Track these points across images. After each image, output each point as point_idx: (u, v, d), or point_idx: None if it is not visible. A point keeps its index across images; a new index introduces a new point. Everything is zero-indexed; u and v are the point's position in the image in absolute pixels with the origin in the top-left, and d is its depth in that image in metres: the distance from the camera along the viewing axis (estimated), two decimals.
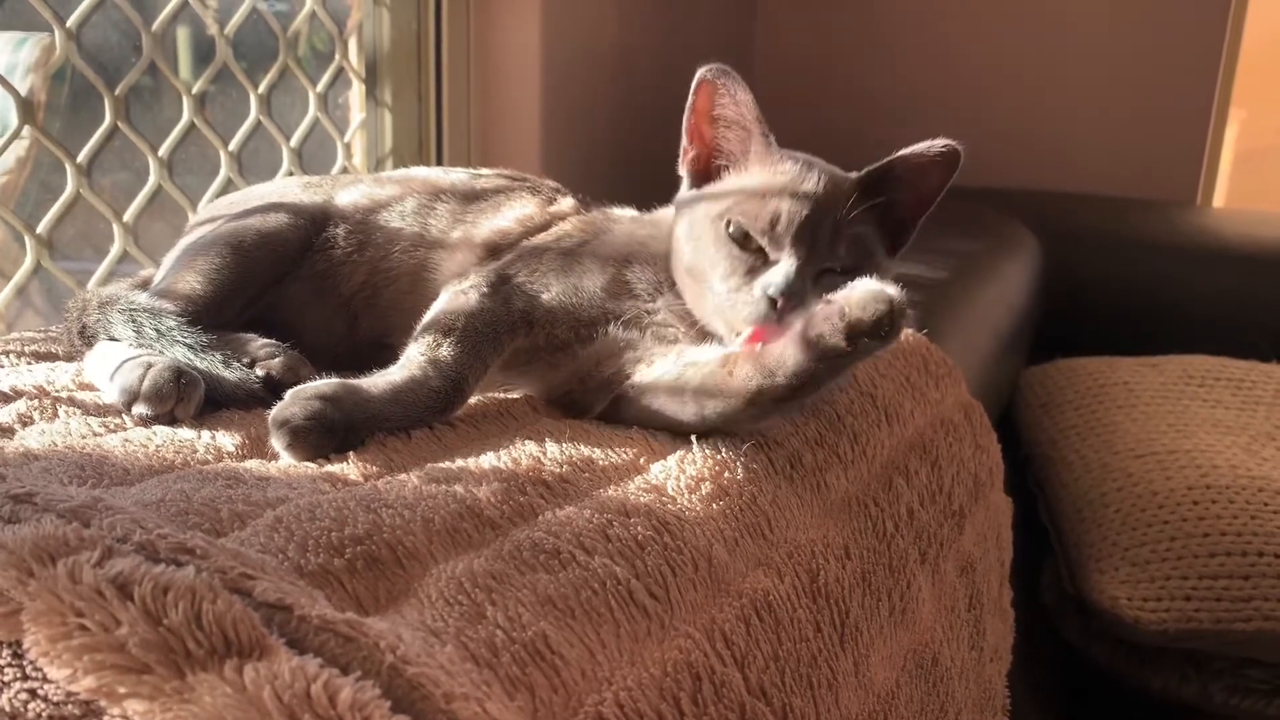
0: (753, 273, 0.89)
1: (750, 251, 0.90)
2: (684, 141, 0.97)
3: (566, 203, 1.08)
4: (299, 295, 1.06)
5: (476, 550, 0.66)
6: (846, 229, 0.90)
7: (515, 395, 0.97)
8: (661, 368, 0.89)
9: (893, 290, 0.75)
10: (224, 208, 1.12)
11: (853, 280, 0.86)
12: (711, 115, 0.95)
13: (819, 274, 0.89)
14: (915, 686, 0.85)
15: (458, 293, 0.94)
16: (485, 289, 0.94)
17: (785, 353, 0.79)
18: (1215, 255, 2.32)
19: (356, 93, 1.87)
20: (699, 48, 2.46)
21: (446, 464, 0.78)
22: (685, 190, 0.99)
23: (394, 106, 1.87)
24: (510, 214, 1.06)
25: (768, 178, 0.91)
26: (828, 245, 0.89)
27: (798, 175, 0.91)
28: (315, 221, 1.07)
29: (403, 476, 0.75)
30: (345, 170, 1.80)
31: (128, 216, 1.41)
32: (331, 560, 0.62)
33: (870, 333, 0.75)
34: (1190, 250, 2.34)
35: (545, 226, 1.04)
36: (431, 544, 0.66)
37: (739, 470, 0.82)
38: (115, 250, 1.40)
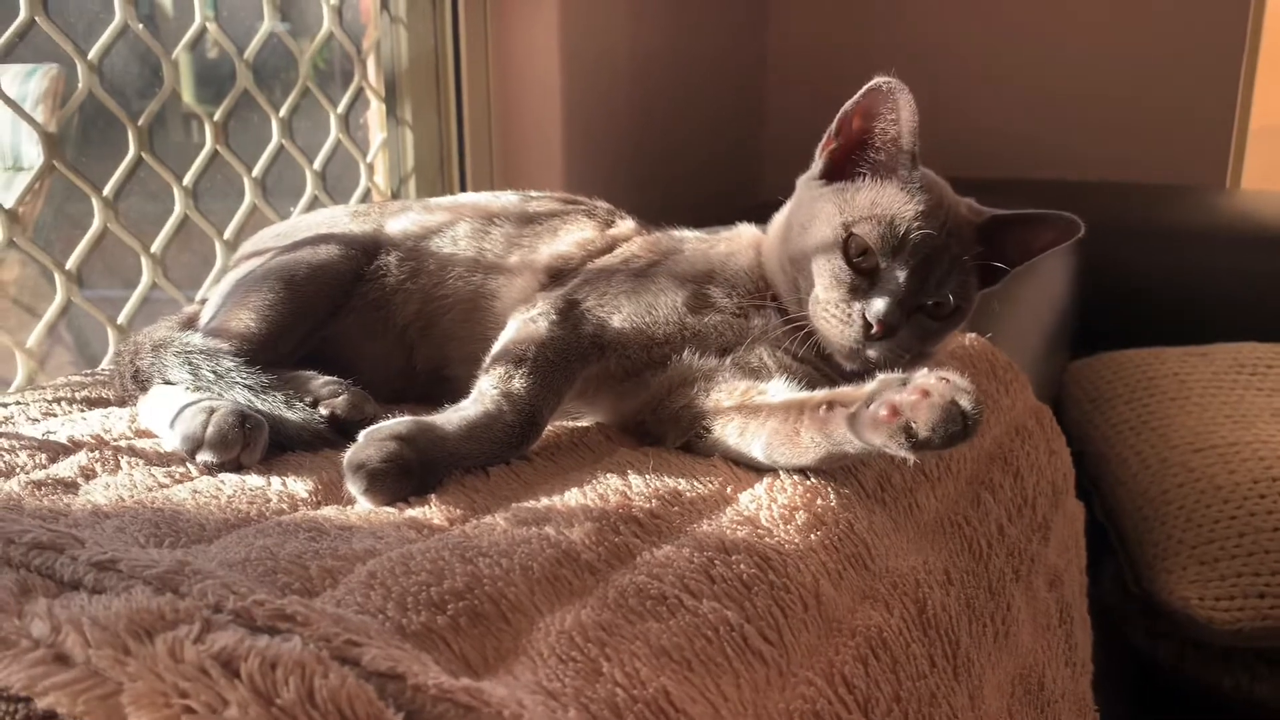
0: (855, 292, 0.88)
1: (860, 271, 0.88)
2: (832, 128, 0.93)
3: (626, 225, 1.05)
4: (353, 328, 1.03)
5: (580, 598, 0.63)
6: (957, 273, 0.89)
7: (586, 424, 0.94)
8: (732, 408, 0.87)
9: (967, 403, 0.71)
10: (271, 240, 1.09)
11: (944, 323, 0.87)
12: (871, 116, 0.91)
13: (918, 307, 0.89)
14: (1025, 713, 0.82)
15: (526, 321, 0.91)
16: (554, 316, 0.91)
17: (847, 437, 0.77)
18: (1251, 239, 2.28)
19: (376, 112, 1.84)
20: (712, 52, 2.45)
21: (532, 503, 0.75)
22: (814, 174, 0.96)
23: (415, 124, 1.84)
24: (569, 238, 1.02)
25: (902, 201, 0.89)
26: (936, 284, 0.88)
27: (928, 207, 0.89)
28: (366, 251, 1.04)
29: (490, 519, 0.72)
30: (369, 190, 1.77)
31: (155, 248, 1.38)
32: (434, 618, 0.59)
33: (940, 447, 0.72)
34: (1225, 234, 2.30)
35: (607, 249, 1.01)
36: (534, 594, 0.62)
37: (831, 497, 0.79)
38: (144, 283, 1.37)
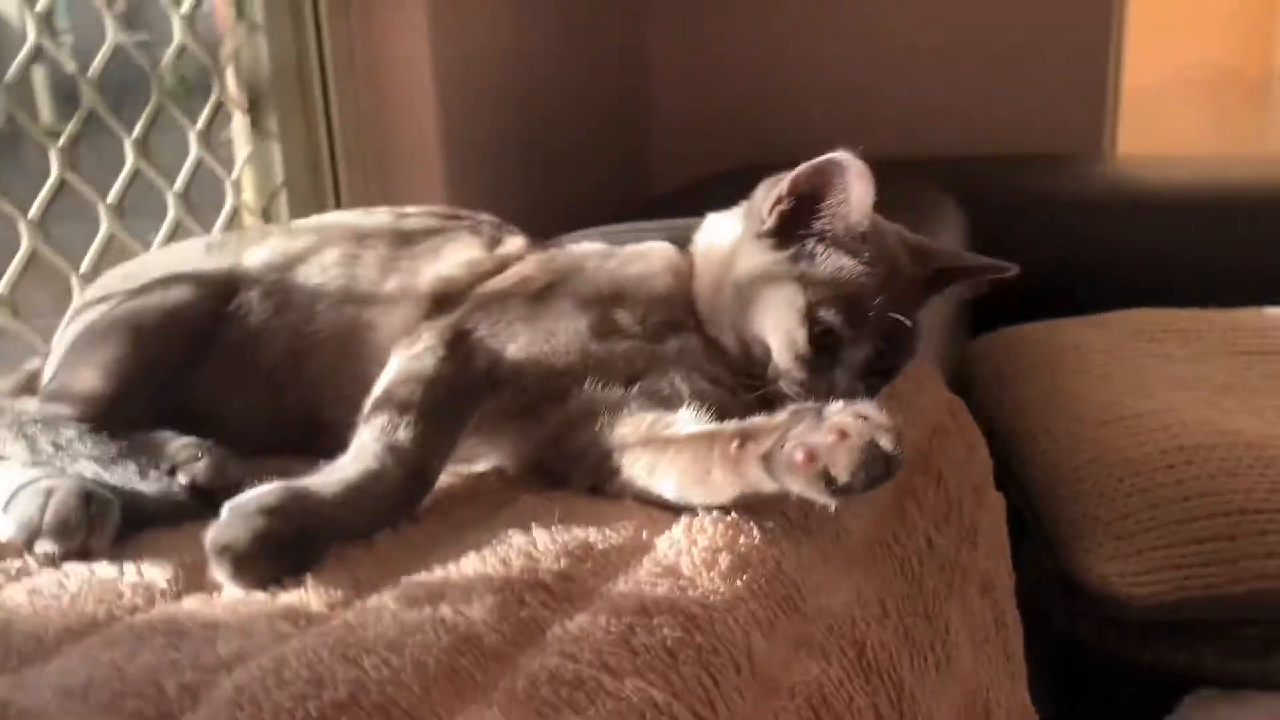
0: (819, 370, 0.85)
1: (823, 349, 0.85)
2: (783, 187, 0.87)
3: (515, 242, 0.97)
4: (215, 377, 0.93)
5: (485, 693, 0.56)
6: (911, 332, 0.88)
7: (482, 468, 0.86)
8: (638, 444, 0.80)
9: (888, 443, 0.66)
10: (117, 283, 0.97)
11: (893, 369, 0.89)
12: (825, 187, 0.86)
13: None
14: None
15: (410, 357, 0.83)
16: (442, 350, 0.83)
17: (762, 478, 0.72)
18: (1130, 204, 2.30)
19: (240, 126, 1.73)
20: (592, 50, 2.38)
21: (424, 576, 0.67)
22: (761, 230, 0.89)
23: (282, 136, 1.73)
24: (454, 259, 0.94)
25: (862, 279, 0.86)
26: (893, 351, 0.88)
27: (884, 275, 0.87)
28: (223, 289, 0.94)
29: (376, 600, 0.64)
30: (236, 209, 1.66)
31: (0, 288, 1.25)
32: None
33: (860, 491, 0.68)
34: (1107, 201, 2.32)
35: (497, 270, 0.93)
36: (430, 695, 0.55)
37: (755, 533, 0.73)
38: None
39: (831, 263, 0.87)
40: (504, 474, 0.85)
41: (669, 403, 0.83)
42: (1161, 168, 2.47)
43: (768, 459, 0.70)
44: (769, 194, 0.89)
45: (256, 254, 0.98)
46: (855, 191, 0.84)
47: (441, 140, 1.87)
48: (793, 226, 0.88)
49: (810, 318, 0.85)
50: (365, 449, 0.76)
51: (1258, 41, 4.24)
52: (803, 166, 0.86)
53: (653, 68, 2.68)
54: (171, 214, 1.52)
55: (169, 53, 1.51)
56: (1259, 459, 1.53)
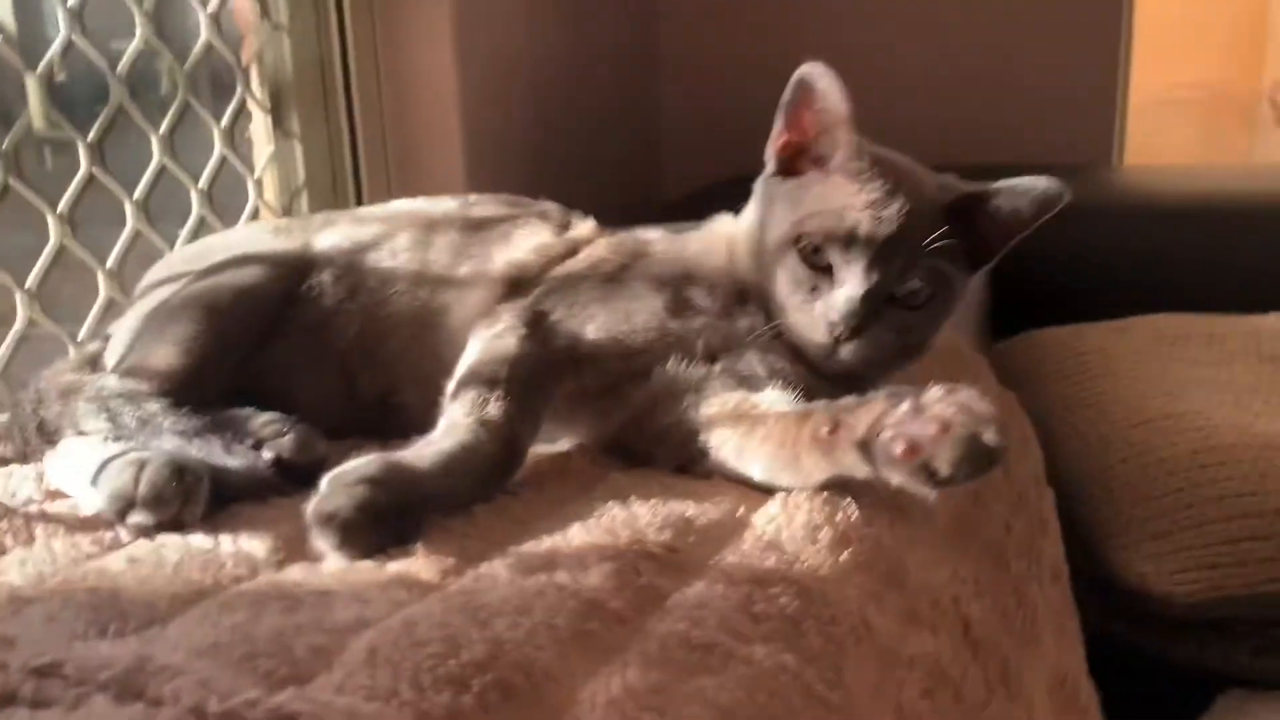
0: (816, 291, 0.83)
1: (817, 269, 0.83)
2: (779, 124, 0.88)
3: (586, 226, 0.97)
4: (286, 357, 0.92)
5: (618, 655, 0.55)
6: (923, 258, 0.83)
7: (565, 447, 0.86)
8: (725, 425, 0.80)
9: (991, 437, 0.66)
10: (181, 264, 0.97)
11: (922, 312, 0.82)
12: (806, 116, 0.86)
13: (887, 300, 0.83)
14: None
15: (492, 338, 0.82)
16: (523, 330, 0.82)
17: (857, 464, 0.71)
18: (1141, 212, 2.32)
19: (262, 125, 1.72)
20: (606, 50, 2.38)
21: (532, 545, 0.66)
22: (769, 173, 0.90)
23: (304, 137, 1.72)
24: (525, 244, 0.94)
25: (850, 193, 0.83)
26: (899, 273, 0.82)
27: (881, 194, 0.83)
28: (296, 270, 0.94)
29: (488, 568, 0.63)
30: (258, 209, 1.65)
31: (30, 283, 1.23)
32: (459, 699, 0.50)
33: (962, 483, 0.67)
34: (1118, 210, 2.33)
35: (568, 254, 0.92)
36: (566, 658, 0.54)
37: (852, 509, 0.73)
38: (19, 323, 1.22)
39: (821, 184, 0.85)
40: (588, 453, 0.84)
41: (750, 383, 0.83)
42: (1170, 177, 2.49)
43: (865, 446, 0.70)
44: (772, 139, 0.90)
45: (327, 237, 0.97)
46: (829, 101, 0.84)
47: (463, 141, 1.86)
48: (799, 163, 0.88)
49: (798, 233, 0.84)
50: (457, 424, 0.76)
51: (1246, 63, 4.29)
52: (784, 95, 0.86)
53: (665, 73, 2.69)
54: (195, 212, 1.51)
55: (195, 50, 1.50)
56: None
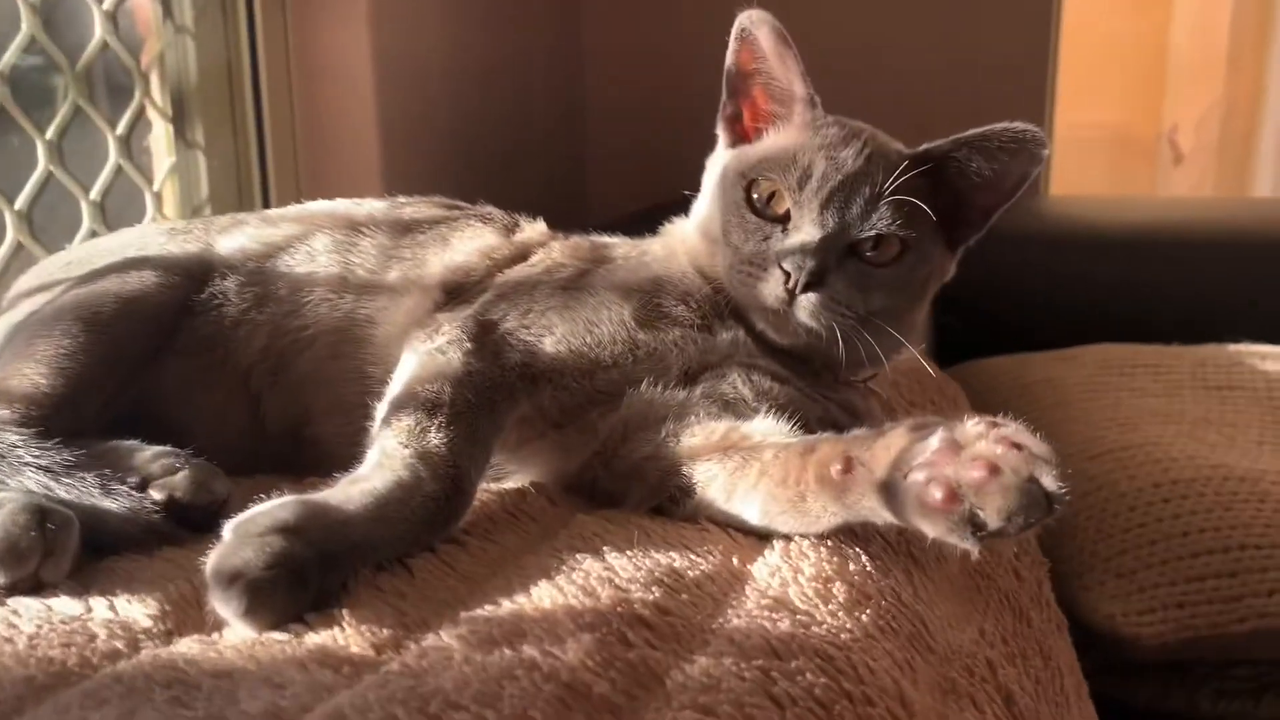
0: (769, 241, 0.75)
1: (771, 219, 0.76)
2: (723, 96, 0.83)
3: (536, 228, 0.86)
4: (180, 377, 0.79)
5: None
6: (887, 204, 0.74)
7: (516, 484, 0.73)
8: (712, 459, 0.68)
9: (1051, 481, 0.54)
10: (59, 269, 0.82)
11: (890, 270, 0.74)
12: (752, 69, 0.80)
13: (848, 251, 0.75)
14: None
15: (431, 352, 0.70)
16: (469, 343, 0.70)
17: (877, 511, 0.60)
18: (1068, 242, 2.30)
19: (162, 134, 1.58)
20: (529, 51, 2.28)
21: (489, 610, 0.53)
22: (720, 149, 0.85)
23: (208, 147, 1.59)
24: (466, 246, 0.82)
25: (805, 137, 0.77)
26: (861, 215, 0.74)
27: (837, 138, 0.77)
28: (193, 276, 0.80)
29: (436, 641, 0.50)
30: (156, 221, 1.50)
31: None
32: None
33: (1013, 536, 0.56)
34: (1045, 240, 2.32)
35: (519, 258, 0.81)
36: None
37: (863, 559, 0.62)
38: None
39: (780, 136, 0.79)
40: (545, 491, 0.71)
41: (736, 408, 0.72)
42: (1096, 207, 2.50)
43: (887, 489, 0.58)
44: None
45: (232, 239, 0.84)
46: (769, 47, 0.78)
47: (381, 155, 1.75)
48: (751, 132, 0.82)
49: (749, 180, 0.77)
50: (391, 456, 0.63)
51: (1147, 105, 4.40)
52: (727, 57, 0.81)
53: (591, 92, 2.59)
54: (86, 225, 1.37)
55: (89, 50, 1.36)
56: (1253, 493, 1.49)
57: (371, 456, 0.64)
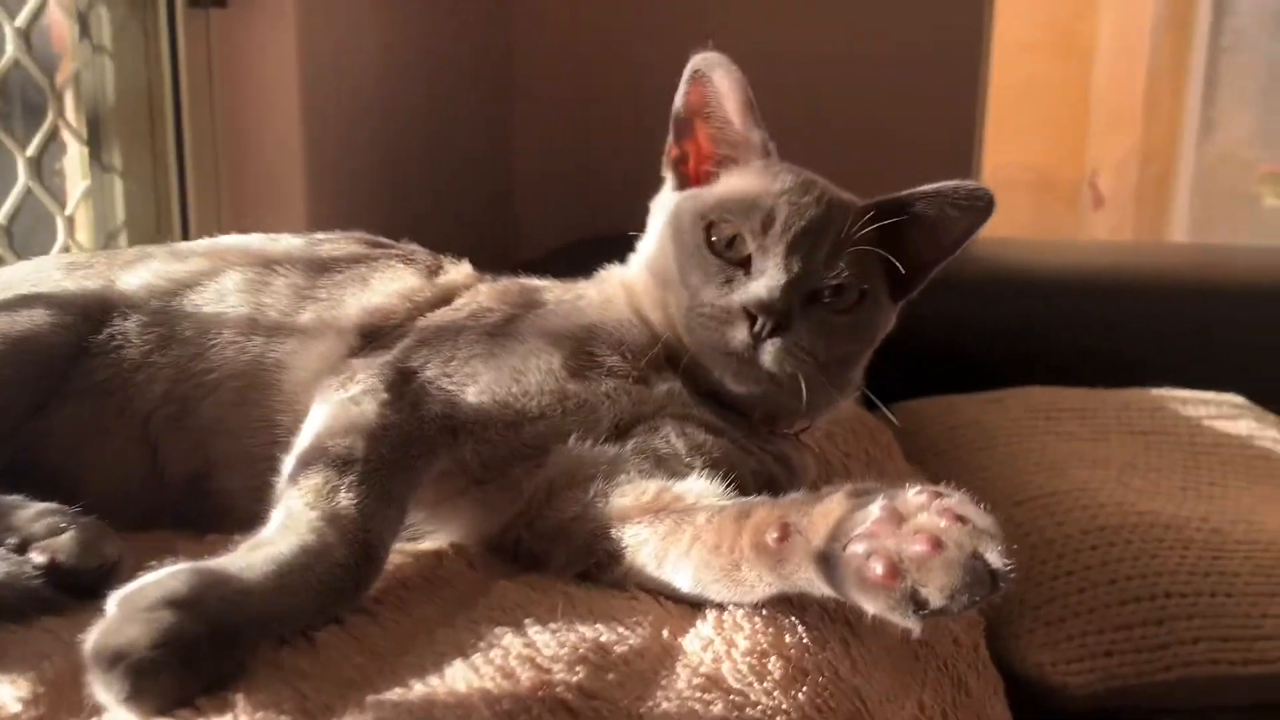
0: (731, 285, 0.73)
1: (733, 262, 0.74)
2: (670, 138, 0.81)
3: (461, 269, 0.82)
4: (71, 423, 0.74)
5: None
6: (849, 252, 0.74)
7: (431, 545, 0.69)
8: (642, 521, 0.65)
9: (995, 557, 0.54)
10: None
11: (850, 316, 0.74)
12: (704, 112, 0.79)
13: (809, 298, 0.73)
14: None
15: (344, 402, 0.66)
16: (385, 394, 0.66)
17: (814, 583, 0.57)
18: (1000, 285, 2.33)
19: (77, 156, 1.52)
20: (462, 95, 2.25)
21: (399, 694, 0.49)
22: (668, 191, 0.83)
23: (125, 171, 1.53)
24: (386, 288, 0.78)
25: (765, 182, 0.76)
26: (824, 262, 0.74)
27: (795, 184, 0.76)
28: (90, 316, 0.75)
29: None
30: (69, 250, 1.44)
31: None
32: None
33: (956, 615, 0.54)
34: (975, 282, 2.34)
35: (441, 302, 0.77)
36: None
37: (799, 630, 0.59)
38: None
39: (736, 179, 0.78)
40: (465, 553, 0.67)
41: (669, 465, 0.69)
42: (1024, 252, 2.53)
43: (825, 560, 0.55)
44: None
45: (136, 275, 0.79)
46: (722, 88, 0.77)
47: (306, 182, 1.70)
48: (699, 175, 0.81)
49: (709, 222, 0.75)
50: (297, 518, 0.58)
51: (1071, 147, 4.51)
52: (676, 98, 0.80)
53: (520, 123, 2.56)
54: None
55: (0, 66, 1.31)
56: (1178, 540, 1.50)
57: (276, 518, 0.59)
